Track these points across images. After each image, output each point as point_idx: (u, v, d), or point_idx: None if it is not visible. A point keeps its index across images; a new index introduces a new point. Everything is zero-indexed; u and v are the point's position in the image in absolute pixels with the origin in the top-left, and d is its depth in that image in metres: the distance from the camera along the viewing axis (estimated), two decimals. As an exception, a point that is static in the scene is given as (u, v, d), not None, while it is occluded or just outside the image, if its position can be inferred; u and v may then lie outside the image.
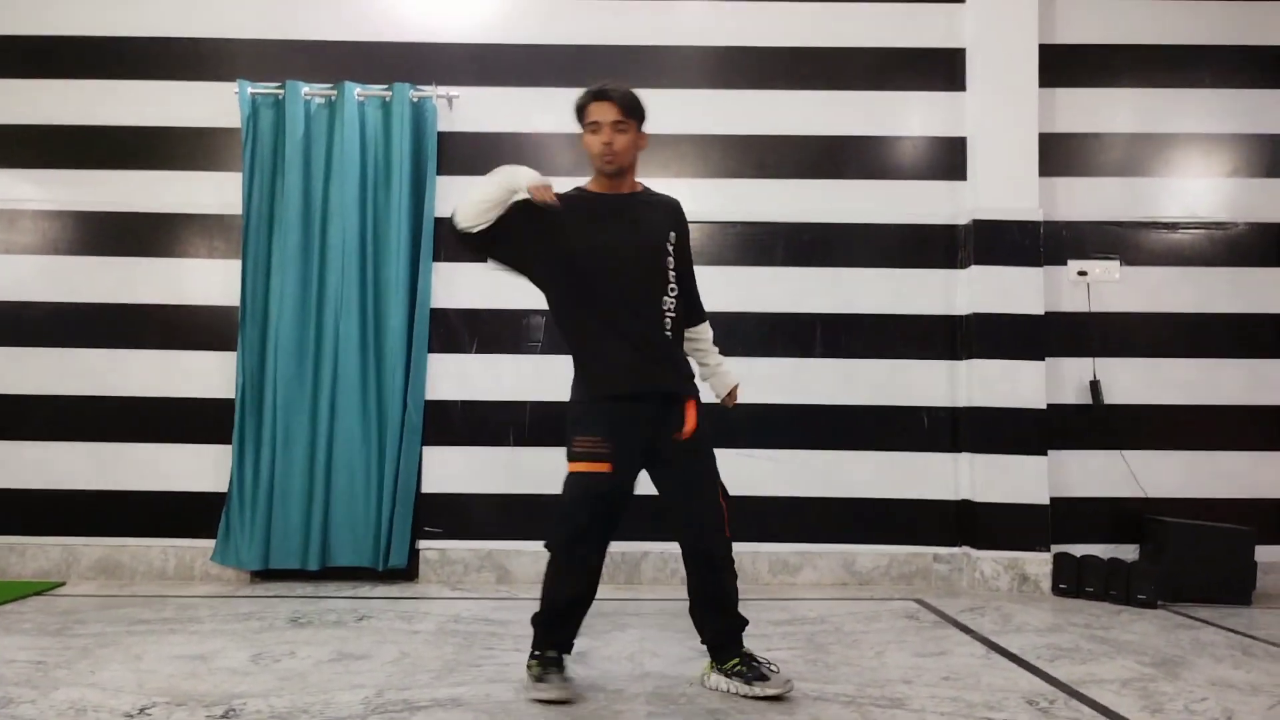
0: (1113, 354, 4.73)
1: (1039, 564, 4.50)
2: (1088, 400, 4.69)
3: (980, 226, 4.64)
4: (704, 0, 4.86)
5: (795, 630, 3.68)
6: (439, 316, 4.69)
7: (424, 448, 4.62)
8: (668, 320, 2.87)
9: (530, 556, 4.56)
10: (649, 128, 2.95)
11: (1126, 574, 4.28)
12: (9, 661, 3.09)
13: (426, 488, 4.62)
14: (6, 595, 4.12)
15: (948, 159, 4.81)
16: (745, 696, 2.78)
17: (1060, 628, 3.79)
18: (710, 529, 2.86)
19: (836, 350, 4.73)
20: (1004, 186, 4.66)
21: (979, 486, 4.56)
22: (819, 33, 4.85)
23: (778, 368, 4.72)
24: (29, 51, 4.79)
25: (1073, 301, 4.75)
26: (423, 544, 4.61)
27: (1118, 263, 4.78)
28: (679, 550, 4.62)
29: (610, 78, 2.99)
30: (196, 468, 4.63)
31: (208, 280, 4.71)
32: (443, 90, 4.71)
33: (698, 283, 3.08)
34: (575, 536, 2.81)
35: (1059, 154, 4.80)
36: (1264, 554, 4.43)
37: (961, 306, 4.73)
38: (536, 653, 2.85)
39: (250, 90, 4.62)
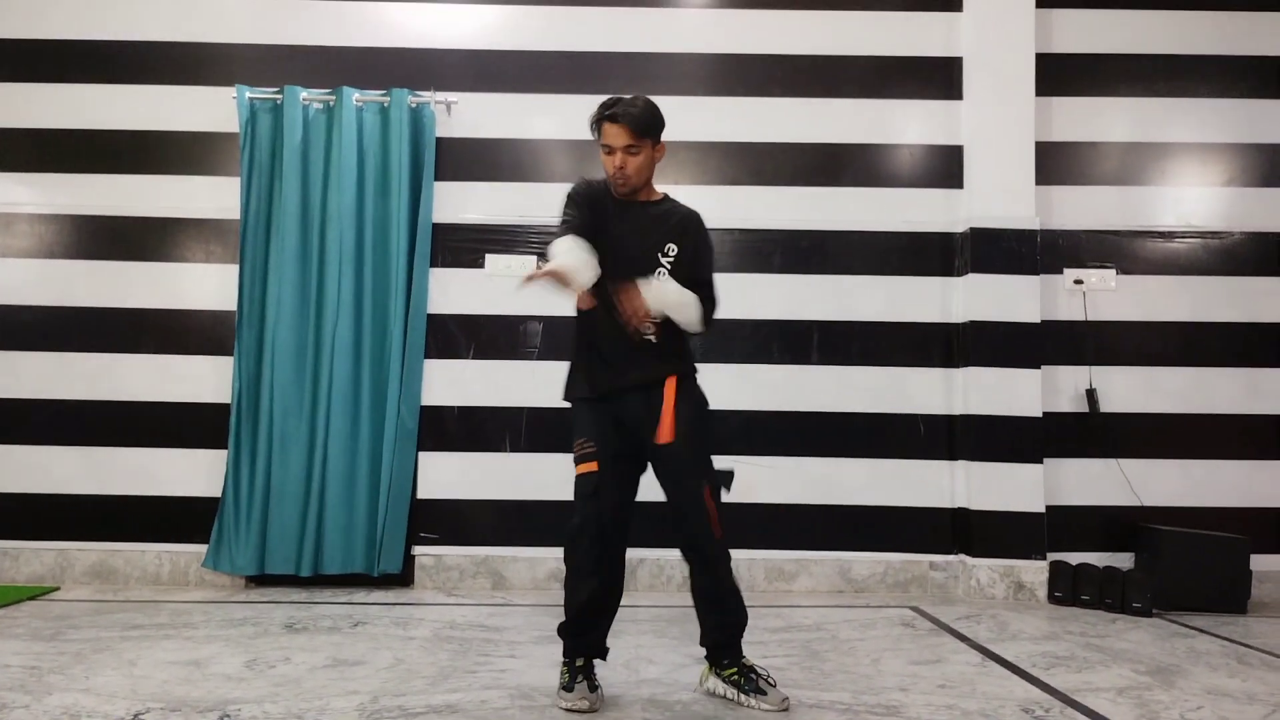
0: (1109, 363, 4.74)
1: (1035, 572, 4.51)
2: (1084, 409, 4.70)
3: (977, 235, 4.65)
4: (702, 8, 4.88)
5: (791, 638, 3.68)
6: (436, 322, 4.69)
7: (420, 453, 4.61)
8: (649, 326, 2.83)
9: (526, 563, 4.56)
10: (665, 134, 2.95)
11: (1122, 582, 4.28)
12: (3, 666, 3.08)
13: (423, 493, 4.62)
14: (1, 600, 4.10)
15: (945, 167, 4.82)
16: (742, 706, 2.78)
17: (1056, 636, 3.79)
18: (697, 526, 2.84)
19: (833, 357, 4.74)
20: (1001, 195, 4.67)
21: (975, 494, 4.56)
22: (817, 41, 4.86)
23: (774, 374, 4.72)
24: (26, 55, 4.79)
25: (1069, 310, 4.76)
26: (418, 550, 4.60)
27: (1114, 271, 4.79)
28: (674, 557, 4.63)
29: (624, 89, 2.99)
30: (191, 473, 4.62)
31: (204, 285, 4.71)
32: (441, 96, 4.72)
33: (716, 290, 2.99)
34: (574, 535, 2.81)
35: (1055, 163, 4.81)
36: (1259, 563, 4.44)
37: (958, 314, 4.73)
38: (565, 660, 2.86)
39: (248, 95, 4.62)
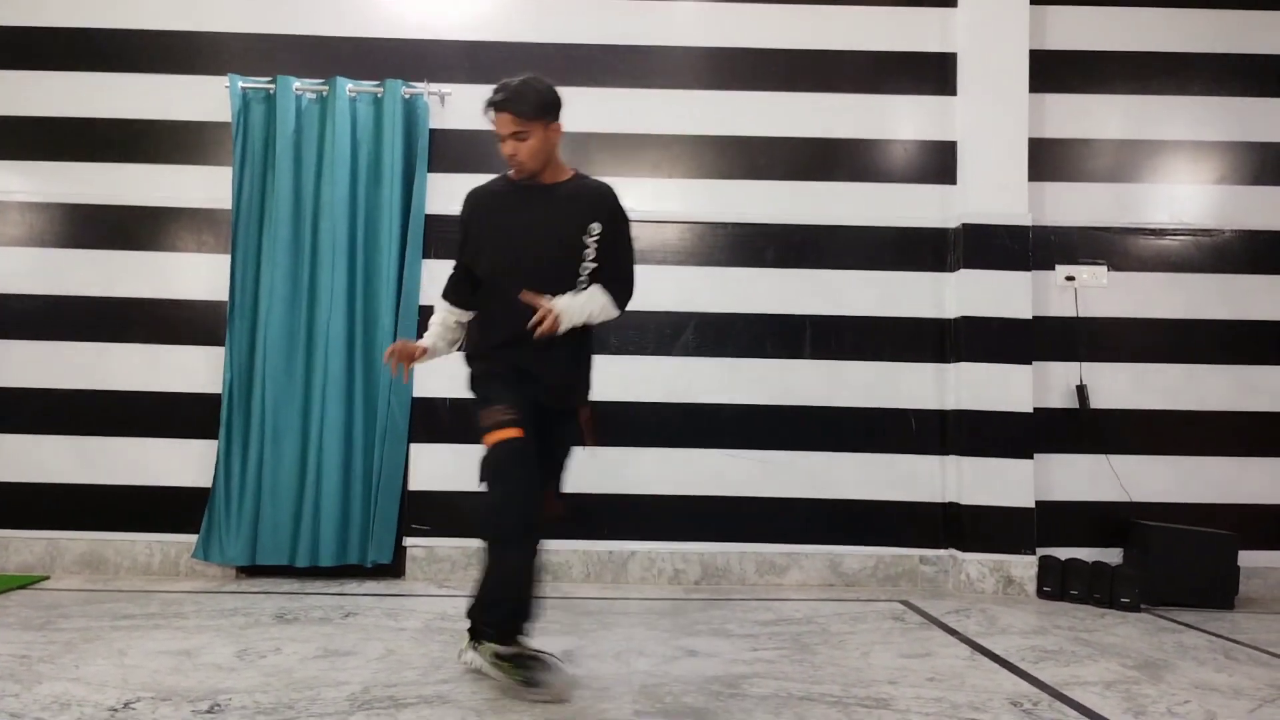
0: (1100, 359, 4.76)
1: (1024, 567, 4.53)
2: (1074, 404, 4.71)
3: (969, 230, 4.66)
4: (696, 1, 4.87)
5: (782, 631, 3.69)
6: (428, 313, 4.65)
7: (412, 445, 4.61)
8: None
9: (517, 555, 4.55)
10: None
11: (1110, 577, 4.31)
12: (-8, 655, 3.08)
13: (415, 485, 4.61)
14: (-11, 589, 4.10)
15: (938, 163, 4.83)
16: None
17: (1045, 630, 3.81)
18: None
19: (825, 352, 4.75)
20: (993, 191, 4.68)
21: (966, 489, 4.58)
22: (811, 35, 4.86)
23: (766, 369, 4.73)
24: (17, 43, 4.76)
25: (1060, 306, 4.78)
26: (409, 541, 4.60)
27: (1105, 268, 4.80)
28: (666, 550, 4.64)
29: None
30: (182, 463, 4.61)
31: (195, 275, 4.69)
32: (435, 87, 4.70)
33: (635, 270, 3.04)
34: (502, 505, 2.80)
35: (1048, 159, 4.83)
36: (1247, 559, 4.46)
37: (950, 310, 4.75)
38: (507, 653, 2.82)
39: (241, 85, 4.60)
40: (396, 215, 4.58)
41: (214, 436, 4.55)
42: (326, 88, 4.62)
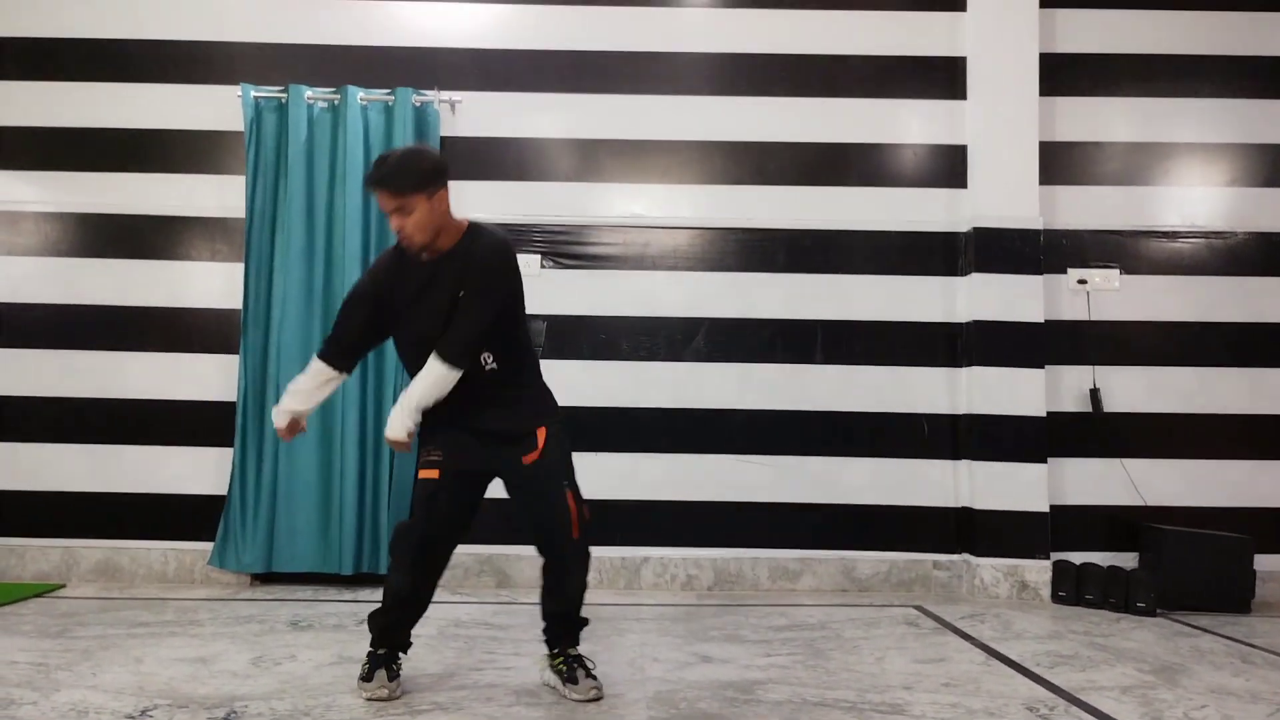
0: (1112, 362, 4.74)
1: (1038, 571, 4.51)
2: (1087, 408, 4.70)
3: (980, 234, 4.66)
4: (705, 7, 4.88)
5: (795, 636, 3.69)
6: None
7: (424, 452, 4.61)
8: (488, 367, 2.83)
9: (529, 561, 4.53)
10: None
11: (1126, 582, 4.29)
12: (10, 663, 3.10)
13: (427, 492, 4.62)
14: (7, 597, 4.11)
15: (948, 167, 4.82)
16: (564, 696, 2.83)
17: (1060, 635, 3.79)
18: (559, 532, 2.85)
19: (837, 357, 4.74)
20: (1004, 195, 4.68)
21: (979, 494, 4.56)
22: (820, 40, 4.87)
23: (778, 374, 4.73)
24: (32, 54, 4.80)
25: (1073, 310, 4.76)
26: (423, 548, 4.60)
27: (1117, 271, 4.79)
28: (679, 556, 4.64)
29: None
30: (196, 471, 4.63)
31: (209, 283, 4.72)
32: (446, 95, 4.72)
33: (480, 331, 2.78)
34: (403, 534, 2.90)
35: (1059, 163, 4.82)
36: (1263, 563, 4.44)
37: (961, 314, 4.74)
38: (369, 651, 2.90)
39: (253, 94, 4.63)
40: (408, 223, 4.59)
41: (228, 444, 4.57)
42: (338, 96, 4.64)
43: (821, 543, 4.67)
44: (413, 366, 2.85)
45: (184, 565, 4.59)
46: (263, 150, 4.64)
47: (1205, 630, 3.94)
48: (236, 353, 4.60)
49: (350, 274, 4.53)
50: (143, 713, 2.63)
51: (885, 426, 4.72)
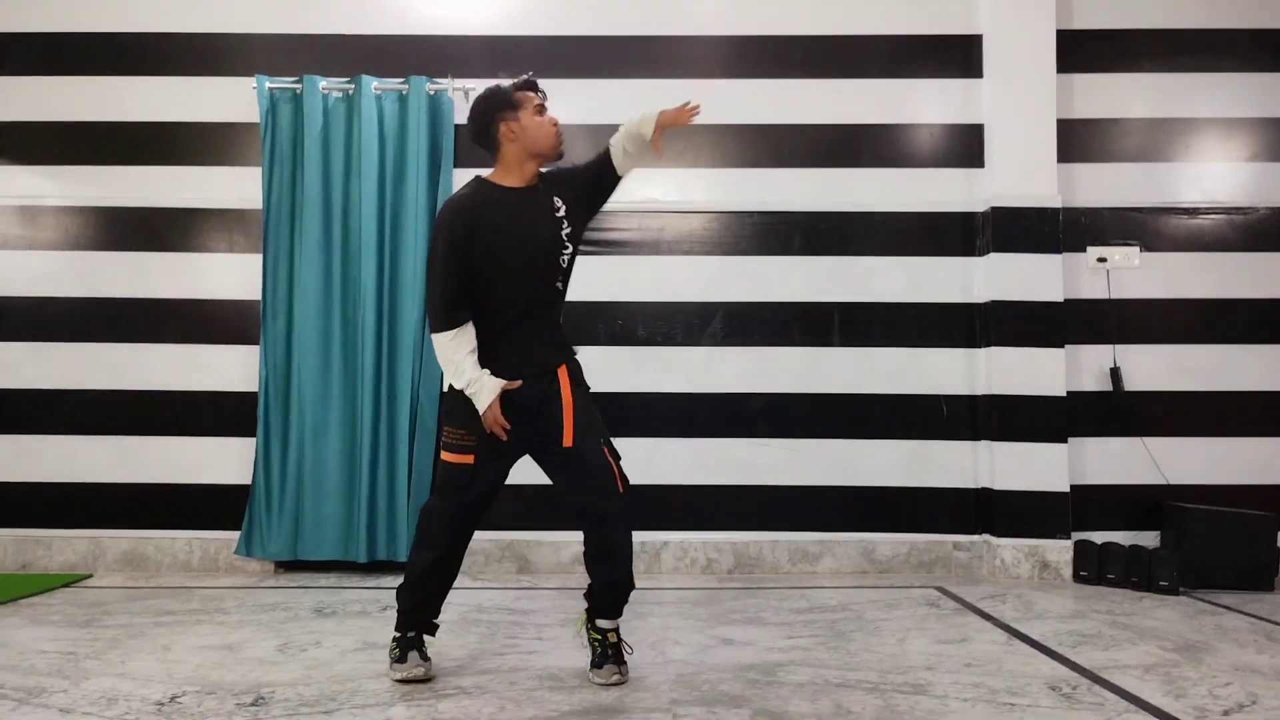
0: (1133, 340, 4.71)
1: (1060, 551, 4.50)
2: (1108, 387, 4.67)
3: (998, 214, 4.63)
4: (719, -10, 4.86)
5: (817, 618, 3.69)
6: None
7: (444, 439, 4.63)
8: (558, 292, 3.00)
9: (550, 546, 4.58)
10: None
11: (1148, 561, 4.27)
12: (40, 652, 3.14)
13: (447, 479, 4.64)
14: (35, 587, 4.17)
15: (965, 146, 4.79)
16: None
17: (1082, 614, 3.79)
18: (605, 496, 2.83)
19: (854, 339, 4.73)
20: (1022, 173, 4.64)
21: (999, 474, 4.55)
22: (835, 21, 4.84)
23: (795, 357, 4.72)
24: (49, 48, 4.83)
25: (1092, 288, 4.73)
26: (443, 535, 4.63)
27: (1137, 249, 4.75)
28: (699, 539, 4.65)
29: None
30: (219, 460, 4.67)
31: (227, 274, 4.75)
32: (459, 83, 4.72)
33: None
34: (431, 513, 2.93)
35: (1077, 140, 4.78)
36: (1286, 540, 4.42)
37: (980, 294, 4.72)
38: (397, 635, 2.92)
39: (268, 85, 4.65)
40: (423, 212, 4.61)
41: (249, 434, 4.60)
42: (352, 86, 4.65)
43: (841, 525, 4.67)
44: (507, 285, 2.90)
45: (208, 554, 4.64)
46: (278, 141, 4.65)
47: (1229, 608, 3.92)
48: (256, 343, 4.63)
49: (367, 262, 4.55)
50: (172, 699, 2.66)
51: (904, 408, 4.71)
